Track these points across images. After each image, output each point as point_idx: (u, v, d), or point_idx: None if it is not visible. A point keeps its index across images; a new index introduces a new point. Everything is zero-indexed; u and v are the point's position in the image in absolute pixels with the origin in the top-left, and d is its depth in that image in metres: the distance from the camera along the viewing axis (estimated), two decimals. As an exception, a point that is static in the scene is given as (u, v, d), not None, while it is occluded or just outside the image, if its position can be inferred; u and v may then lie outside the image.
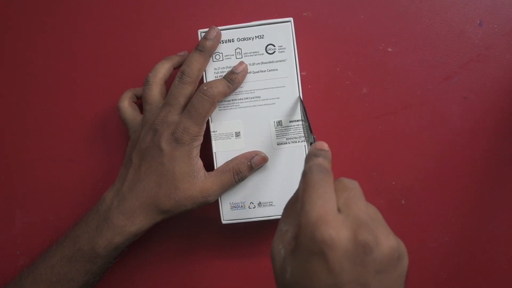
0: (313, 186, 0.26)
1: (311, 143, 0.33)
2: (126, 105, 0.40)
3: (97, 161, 0.44)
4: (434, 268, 0.43)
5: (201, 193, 0.37)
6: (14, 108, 0.45)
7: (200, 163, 0.38)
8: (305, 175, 0.28)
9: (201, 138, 0.37)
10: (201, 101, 0.36)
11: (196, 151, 0.37)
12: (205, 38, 0.37)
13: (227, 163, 0.38)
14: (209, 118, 0.38)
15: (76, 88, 0.44)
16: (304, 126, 0.37)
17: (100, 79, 0.44)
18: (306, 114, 0.36)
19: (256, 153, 0.38)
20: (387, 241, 0.25)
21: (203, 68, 0.38)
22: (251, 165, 0.38)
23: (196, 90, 0.37)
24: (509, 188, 0.42)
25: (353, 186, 0.28)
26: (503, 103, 0.42)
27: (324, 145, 0.31)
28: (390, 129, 0.43)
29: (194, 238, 0.44)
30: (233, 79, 0.37)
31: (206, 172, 0.38)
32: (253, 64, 0.38)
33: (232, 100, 0.38)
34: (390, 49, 0.43)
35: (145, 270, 0.44)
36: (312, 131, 0.34)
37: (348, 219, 0.25)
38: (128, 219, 0.37)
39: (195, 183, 0.37)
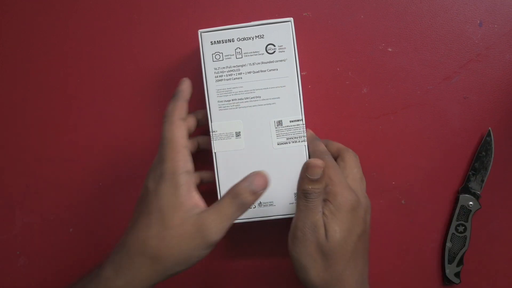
0: None
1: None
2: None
3: (97, 161, 0.44)
4: (434, 268, 0.43)
5: (196, 228, 0.31)
6: (14, 108, 0.45)
7: (195, 197, 0.33)
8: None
9: (188, 165, 0.33)
10: (162, 126, 0.34)
11: (185, 180, 0.32)
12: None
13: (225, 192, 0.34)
14: (209, 118, 0.38)
15: (76, 88, 0.44)
16: None
17: (100, 79, 0.44)
18: None
19: (254, 174, 0.33)
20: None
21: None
22: (250, 186, 0.32)
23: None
24: (509, 188, 0.42)
25: None
26: (503, 103, 0.42)
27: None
28: (390, 129, 0.43)
29: (194, 238, 0.44)
30: (176, 93, 0.36)
31: (206, 207, 0.33)
32: (253, 64, 0.38)
33: (232, 100, 0.38)
34: (390, 49, 0.43)
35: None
36: None
37: None
38: (115, 270, 0.32)
39: (188, 218, 0.31)
